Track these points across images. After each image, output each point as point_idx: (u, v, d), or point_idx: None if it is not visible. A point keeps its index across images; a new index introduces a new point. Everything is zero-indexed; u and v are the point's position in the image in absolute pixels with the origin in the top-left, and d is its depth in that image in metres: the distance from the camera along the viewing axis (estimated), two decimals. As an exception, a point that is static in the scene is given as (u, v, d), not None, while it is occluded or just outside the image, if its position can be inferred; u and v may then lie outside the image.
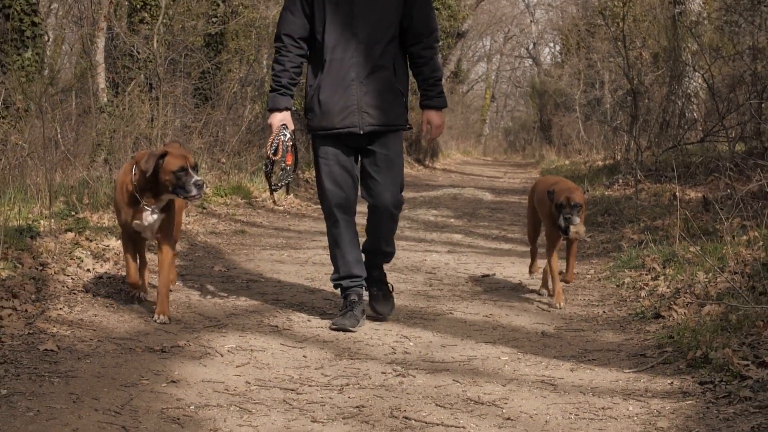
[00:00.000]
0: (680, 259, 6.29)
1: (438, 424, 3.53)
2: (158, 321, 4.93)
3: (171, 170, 4.79)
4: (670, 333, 4.78)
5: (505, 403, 3.81)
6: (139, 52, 12.71)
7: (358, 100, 4.91)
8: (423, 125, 5.16)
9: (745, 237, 6.52)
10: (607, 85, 22.86)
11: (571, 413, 3.69)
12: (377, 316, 5.29)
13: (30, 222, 6.68)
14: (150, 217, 4.96)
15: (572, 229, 5.62)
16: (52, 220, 6.72)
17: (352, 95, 4.91)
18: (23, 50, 11.72)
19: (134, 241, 5.16)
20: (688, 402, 3.75)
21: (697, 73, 13.15)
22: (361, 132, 4.94)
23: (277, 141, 4.96)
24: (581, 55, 26.08)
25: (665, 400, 3.81)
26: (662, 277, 6.12)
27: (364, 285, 5.25)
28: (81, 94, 12.83)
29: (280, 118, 5.00)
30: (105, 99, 11.75)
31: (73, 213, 7.35)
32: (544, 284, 6.23)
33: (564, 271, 6.00)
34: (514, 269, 7.21)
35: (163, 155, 4.83)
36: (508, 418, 3.62)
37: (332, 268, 5.29)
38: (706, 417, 3.54)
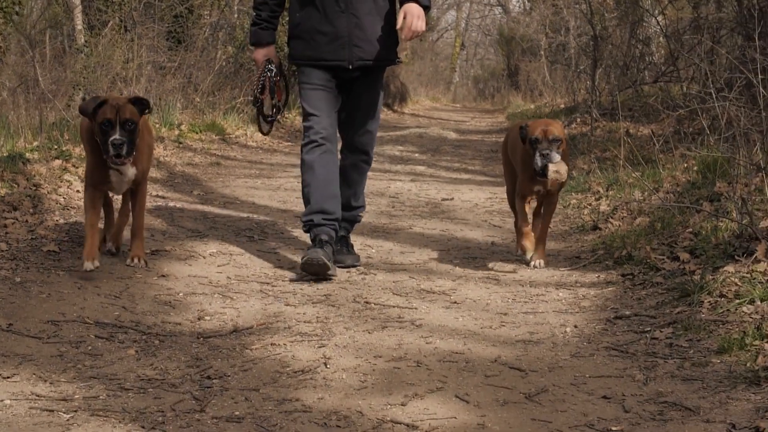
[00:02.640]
0: (622, 182, 6.89)
1: (394, 306, 4.12)
2: (131, 264, 4.57)
3: (98, 122, 4.24)
4: (603, 240, 5.40)
5: (453, 292, 4.41)
6: (113, -5, 13.00)
7: (348, 32, 4.59)
8: (399, 18, 4.55)
9: (685, 164, 7.14)
10: (572, 31, 23.34)
11: (509, 298, 4.30)
12: (339, 265, 4.79)
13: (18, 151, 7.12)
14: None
15: (551, 168, 4.54)
16: (38, 152, 7.17)
17: (342, 26, 4.57)
18: (0, -9, 11.96)
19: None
20: (609, 289, 4.38)
21: (654, 19, 13.71)
22: (350, 66, 4.64)
23: (263, 78, 4.83)
24: (548, 2, 26.49)
25: (591, 288, 4.44)
26: (604, 198, 6.72)
27: (336, 227, 4.75)
28: (54, 37, 13.12)
29: (264, 54, 4.83)
30: (83, 40, 12.09)
31: (56, 147, 7.79)
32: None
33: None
34: (471, 195, 7.78)
35: (102, 103, 4.26)
36: (455, 302, 4.22)
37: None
38: (623, 298, 4.17)
